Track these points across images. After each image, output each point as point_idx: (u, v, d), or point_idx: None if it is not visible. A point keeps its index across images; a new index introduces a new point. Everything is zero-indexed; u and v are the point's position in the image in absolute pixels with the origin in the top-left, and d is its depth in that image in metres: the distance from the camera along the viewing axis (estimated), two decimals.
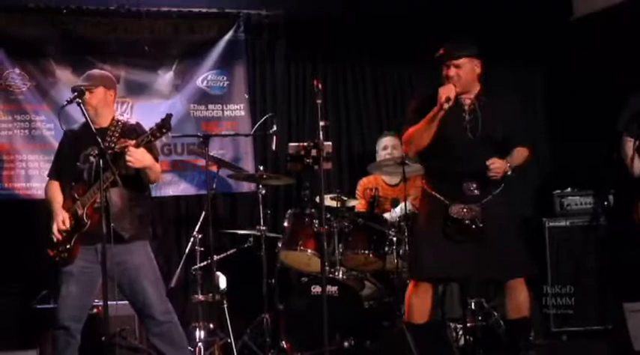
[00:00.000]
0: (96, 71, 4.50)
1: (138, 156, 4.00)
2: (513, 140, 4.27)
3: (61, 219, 4.14)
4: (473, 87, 4.23)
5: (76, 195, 4.14)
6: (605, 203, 5.75)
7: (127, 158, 3.97)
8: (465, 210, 4.08)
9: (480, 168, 4.12)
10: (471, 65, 4.19)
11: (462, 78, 4.15)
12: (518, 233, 4.32)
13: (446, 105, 4.04)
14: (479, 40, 6.32)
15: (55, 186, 4.29)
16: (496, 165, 4.10)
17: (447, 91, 4.06)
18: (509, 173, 4.15)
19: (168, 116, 4.02)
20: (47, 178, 4.41)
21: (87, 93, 4.14)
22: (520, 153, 4.29)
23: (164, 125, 3.99)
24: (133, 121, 4.40)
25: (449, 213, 4.09)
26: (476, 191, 4.14)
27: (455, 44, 4.22)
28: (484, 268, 4.14)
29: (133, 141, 4.00)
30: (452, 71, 4.14)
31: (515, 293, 4.21)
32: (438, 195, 4.19)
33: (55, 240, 4.14)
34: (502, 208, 4.20)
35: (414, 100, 4.50)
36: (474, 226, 4.06)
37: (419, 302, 4.22)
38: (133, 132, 4.20)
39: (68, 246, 4.13)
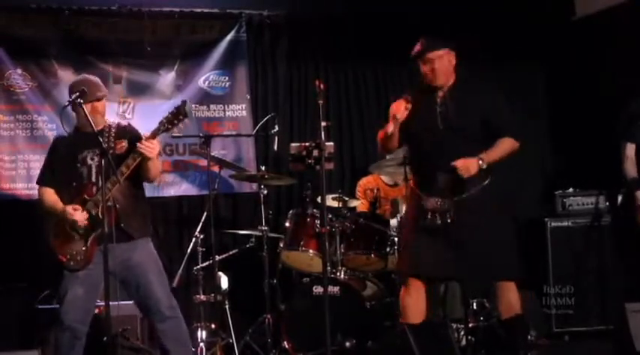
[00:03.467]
0: (96, 78, 4.35)
1: (153, 146, 4.01)
2: (498, 131, 4.20)
3: (71, 208, 4.06)
4: (448, 80, 4.24)
5: (86, 196, 4.12)
6: (608, 203, 5.76)
7: (143, 148, 3.96)
8: (439, 203, 4.05)
9: (453, 159, 4.06)
10: (448, 57, 4.20)
11: (438, 71, 4.16)
12: (505, 234, 4.19)
13: (399, 117, 4.10)
14: (480, 40, 6.44)
15: (51, 193, 4.23)
16: (461, 164, 4.02)
17: (397, 108, 4.12)
18: (483, 167, 4.06)
19: (184, 103, 4.03)
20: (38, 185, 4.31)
21: (101, 101, 4.18)
22: (502, 145, 4.18)
23: (180, 112, 3.99)
24: (124, 123, 4.41)
25: (424, 206, 4.09)
26: (450, 183, 4.07)
27: (430, 38, 4.23)
28: (466, 269, 4.08)
29: (148, 133, 4.03)
30: (426, 68, 4.17)
31: (505, 292, 4.17)
32: (417, 190, 4.20)
33: (83, 225, 4.06)
34: (482, 207, 4.10)
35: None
36: (439, 221, 4.03)
37: (412, 302, 4.17)
38: (127, 133, 4.23)
39: (84, 248, 4.10)
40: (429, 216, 4.08)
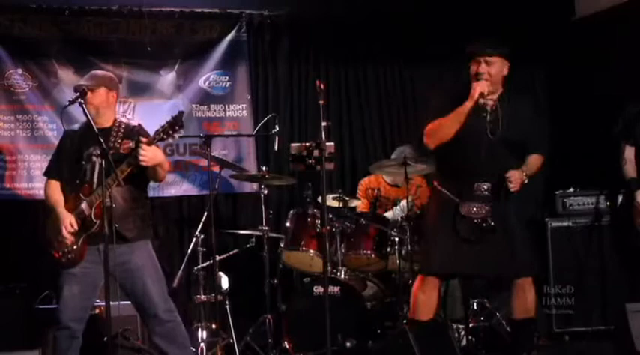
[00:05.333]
0: (99, 71, 4.48)
1: (150, 154, 4.01)
2: (530, 144, 4.23)
3: (69, 222, 4.11)
4: (498, 87, 4.17)
5: (82, 195, 4.13)
6: (608, 203, 5.75)
7: (140, 157, 3.97)
8: (474, 209, 4.06)
9: (495, 169, 4.10)
10: (502, 64, 4.13)
11: (492, 76, 4.09)
12: (525, 232, 4.28)
13: (481, 100, 4.02)
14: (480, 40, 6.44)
15: (56, 185, 4.27)
16: (515, 177, 4.07)
17: (481, 86, 4.02)
18: (525, 182, 4.12)
19: (180, 113, 4.04)
20: (45, 177, 4.37)
21: (89, 92, 4.14)
22: (534, 161, 4.25)
23: (176, 122, 4.00)
24: (134, 123, 4.41)
25: (459, 211, 4.08)
26: (486, 192, 4.10)
27: (489, 40, 4.16)
28: (494, 266, 4.12)
29: (145, 139, 4.02)
30: (483, 68, 4.07)
31: (524, 293, 4.20)
32: (449, 194, 4.15)
33: (67, 242, 4.11)
34: (510, 206, 4.18)
35: (436, 94, 4.42)
36: (484, 224, 4.04)
37: (425, 299, 4.21)
38: (135, 133, 4.20)
39: (75, 247, 4.12)
40: (465, 221, 4.07)
